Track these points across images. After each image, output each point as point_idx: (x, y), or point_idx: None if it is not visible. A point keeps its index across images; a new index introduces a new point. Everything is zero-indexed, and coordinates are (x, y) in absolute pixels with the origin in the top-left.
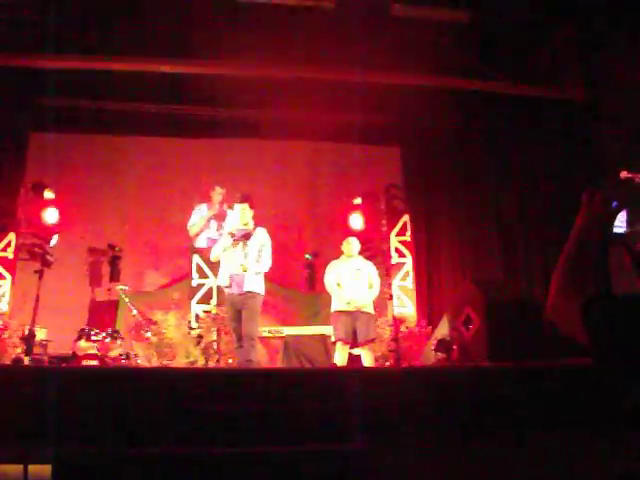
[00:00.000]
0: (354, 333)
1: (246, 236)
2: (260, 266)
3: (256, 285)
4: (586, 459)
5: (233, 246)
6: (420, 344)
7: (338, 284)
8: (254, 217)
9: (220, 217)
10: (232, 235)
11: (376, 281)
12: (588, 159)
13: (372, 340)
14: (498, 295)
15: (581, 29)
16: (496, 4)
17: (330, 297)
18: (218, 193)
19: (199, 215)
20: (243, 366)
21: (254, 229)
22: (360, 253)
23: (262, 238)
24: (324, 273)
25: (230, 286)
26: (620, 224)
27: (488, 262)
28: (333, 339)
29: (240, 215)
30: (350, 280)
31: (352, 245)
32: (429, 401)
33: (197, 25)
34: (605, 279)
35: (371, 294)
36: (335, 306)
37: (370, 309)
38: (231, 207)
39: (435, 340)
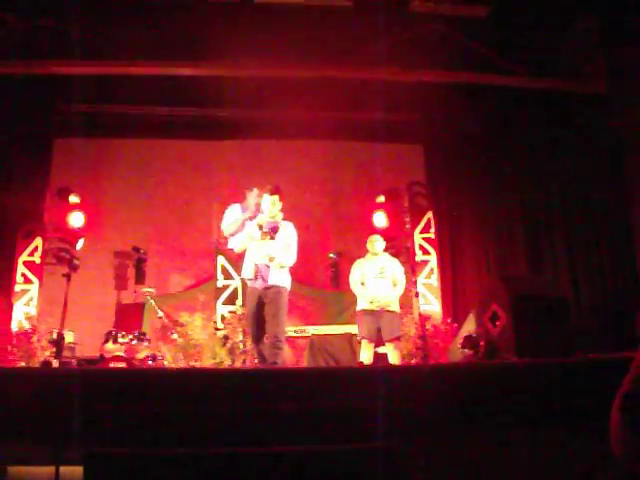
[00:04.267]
0: (379, 331)
1: (274, 229)
2: (286, 260)
3: (281, 279)
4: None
5: (262, 239)
6: (446, 341)
7: (362, 283)
8: (282, 210)
9: (255, 219)
10: (260, 227)
11: (401, 279)
12: (611, 153)
13: (398, 338)
14: (524, 290)
15: (602, 21)
16: None
17: (355, 295)
18: (255, 195)
19: (233, 216)
20: (269, 367)
21: (281, 222)
22: (385, 250)
23: (289, 232)
24: (349, 271)
25: (255, 279)
26: None
27: (513, 258)
28: (359, 337)
29: (270, 207)
30: (374, 279)
31: (376, 243)
32: (457, 399)
33: (217, 28)
34: None
35: (395, 292)
36: (360, 305)
37: (395, 307)
38: (260, 197)
39: (462, 337)
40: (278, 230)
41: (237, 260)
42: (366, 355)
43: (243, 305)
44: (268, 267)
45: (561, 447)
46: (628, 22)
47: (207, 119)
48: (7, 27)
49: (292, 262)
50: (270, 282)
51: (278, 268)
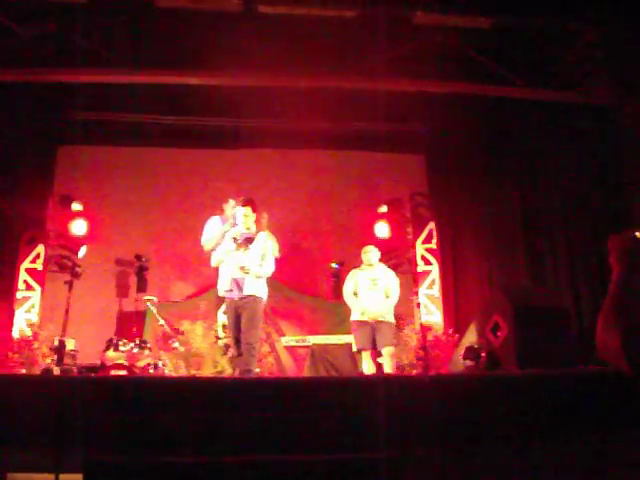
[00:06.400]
0: (373, 341)
1: (249, 240)
2: (262, 270)
3: (257, 289)
4: (614, 465)
5: (236, 250)
6: (447, 352)
7: (355, 293)
8: (256, 221)
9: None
10: (235, 240)
11: (394, 291)
12: (615, 164)
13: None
14: (526, 302)
15: (606, 32)
16: (518, 9)
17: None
18: (231, 206)
19: (213, 229)
20: (242, 376)
21: (256, 233)
22: (386, 261)
23: (264, 242)
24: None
25: (231, 290)
26: None
27: (515, 268)
28: (354, 348)
29: (243, 219)
30: (366, 290)
31: (370, 254)
32: (457, 410)
33: (219, 37)
34: None
35: (388, 304)
36: (353, 316)
37: (389, 318)
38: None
39: (463, 348)
40: (253, 241)
41: None
42: (367, 365)
43: None
44: (244, 278)
45: (562, 458)
46: (632, 36)
47: (210, 128)
48: (11, 35)
49: (269, 272)
50: (245, 292)
51: (255, 278)
